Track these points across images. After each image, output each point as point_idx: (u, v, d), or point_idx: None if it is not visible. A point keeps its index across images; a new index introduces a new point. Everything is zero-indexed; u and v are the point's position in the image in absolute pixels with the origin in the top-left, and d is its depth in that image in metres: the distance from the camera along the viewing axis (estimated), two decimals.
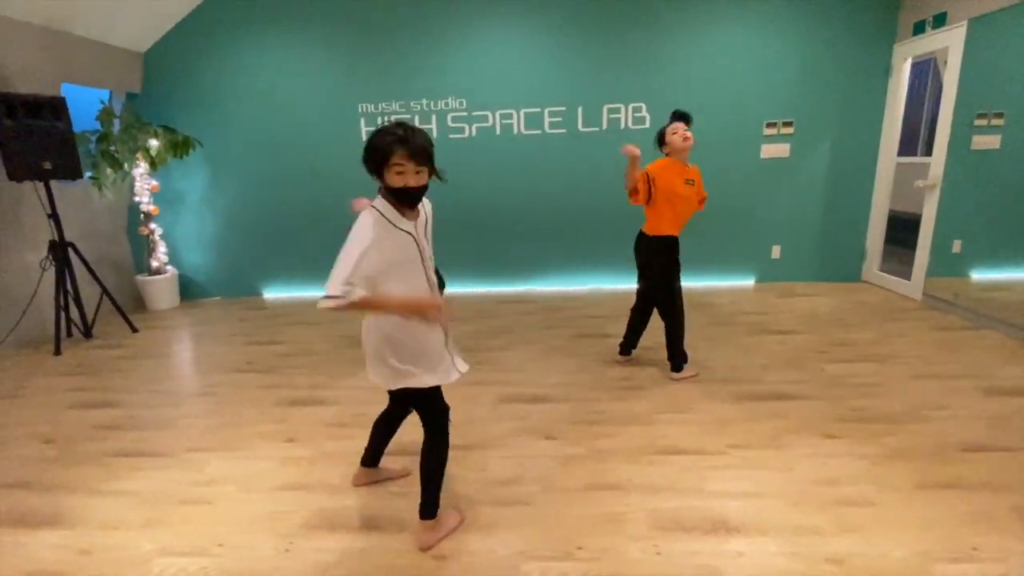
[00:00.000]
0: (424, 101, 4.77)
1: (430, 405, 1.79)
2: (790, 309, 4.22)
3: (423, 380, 1.70)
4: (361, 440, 2.47)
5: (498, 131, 4.78)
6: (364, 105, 4.81)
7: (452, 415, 1.84)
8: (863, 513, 1.89)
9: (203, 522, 2.00)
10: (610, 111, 4.71)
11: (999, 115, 4.03)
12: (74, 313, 4.15)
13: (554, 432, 2.51)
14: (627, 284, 4.95)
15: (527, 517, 1.94)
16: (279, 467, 2.34)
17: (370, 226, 1.56)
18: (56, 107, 3.81)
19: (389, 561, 1.77)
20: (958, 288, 4.15)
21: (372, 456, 2.14)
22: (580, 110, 4.72)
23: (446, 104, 4.76)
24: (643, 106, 4.67)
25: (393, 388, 1.75)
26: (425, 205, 1.74)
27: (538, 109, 4.74)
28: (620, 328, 3.65)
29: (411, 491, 2.11)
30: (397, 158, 1.53)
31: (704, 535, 1.81)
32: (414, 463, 2.20)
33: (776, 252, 4.92)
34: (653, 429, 2.50)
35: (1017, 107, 3.86)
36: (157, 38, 4.77)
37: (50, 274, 4.00)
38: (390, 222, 1.60)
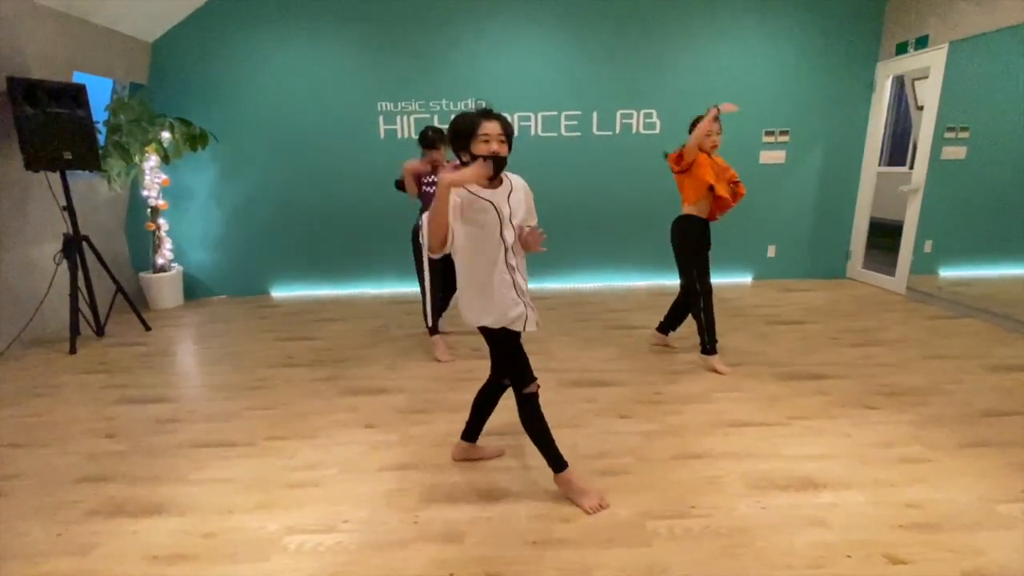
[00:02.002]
0: (444, 101, 4.86)
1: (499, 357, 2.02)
2: (793, 302, 4.59)
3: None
4: (441, 424, 2.60)
5: (516, 133, 4.92)
6: (383, 103, 4.85)
7: None
8: (923, 468, 2.16)
9: (318, 502, 2.04)
10: (623, 116, 4.96)
11: (965, 129, 4.54)
12: (84, 310, 3.97)
13: (625, 411, 2.68)
14: (640, 281, 5.24)
15: (632, 484, 2.10)
16: (371, 451, 2.39)
17: (456, 198, 1.79)
18: (77, 94, 3.67)
19: (518, 526, 1.88)
20: (931, 284, 4.63)
21: (471, 430, 2.24)
22: (595, 115, 4.95)
23: (466, 105, 4.86)
24: (654, 112, 4.95)
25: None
26: (515, 180, 1.94)
27: (555, 113, 4.93)
28: (644, 320, 3.90)
29: (515, 466, 2.24)
30: (484, 129, 1.77)
31: (797, 491, 2.02)
32: (507, 442, 2.32)
33: (772, 251, 5.31)
34: (714, 406, 2.72)
35: (981, 121, 4.37)
36: (167, 28, 4.65)
37: (62, 269, 3.83)
38: (471, 192, 1.81)
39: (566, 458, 2.01)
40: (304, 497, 2.08)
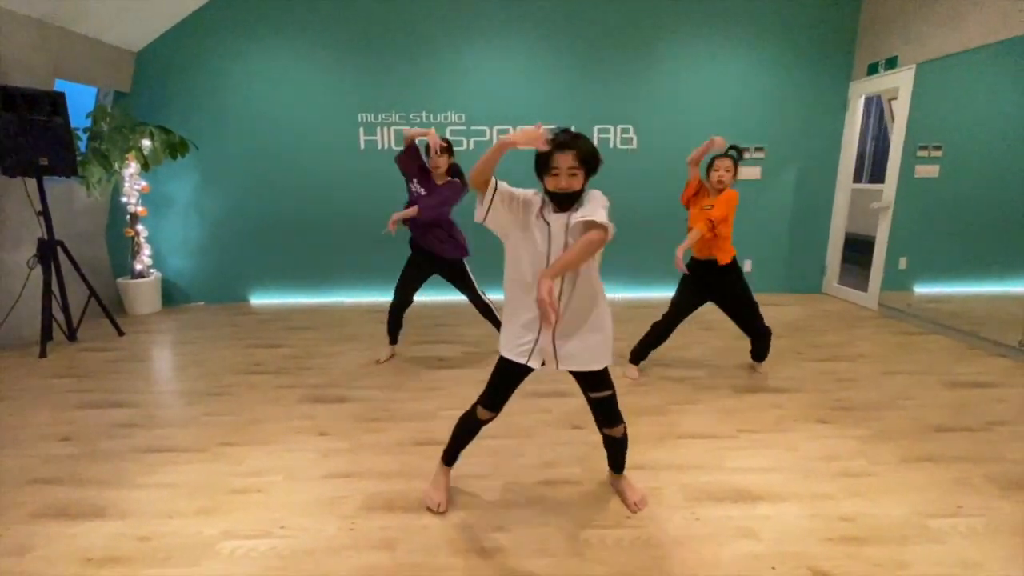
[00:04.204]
0: (424, 113, 4.93)
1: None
2: (765, 316, 4.59)
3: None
4: (394, 433, 2.62)
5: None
6: (364, 114, 4.92)
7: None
8: (863, 482, 2.17)
9: (259, 508, 2.05)
10: (600, 132, 5.03)
11: (938, 147, 4.60)
12: (57, 315, 4.00)
13: (578, 422, 2.69)
14: (617, 294, 5.26)
15: (574, 494, 2.12)
16: (321, 458, 2.40)
17: (530, 193, 1.74)
18: (55, 101, 3.73)
19: (452, 535, 1.89)
20: (905, 300, 4.66)
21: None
22: (572, 129, 4.99)
23: (445, 118, 4.94)
24: (631, 128, 5.02)
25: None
26: (588, 196, 1.71)
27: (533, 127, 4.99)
28: (617, 332, 3.88)
29: (458, 475, 2.25)
30: (554, 162, 1.64)
31: (733, 503, 2.04)
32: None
33: (748, 266, 5.34)
34: (667, 418, 2.74)
35: (953, 140, 4.44)
36: (151, 39, 4.73)
37: (35, 274, 3.86)
38: (541, 213, 1.71)
39: (515, 467, 2.20)
40: (246, 503, 2.09)
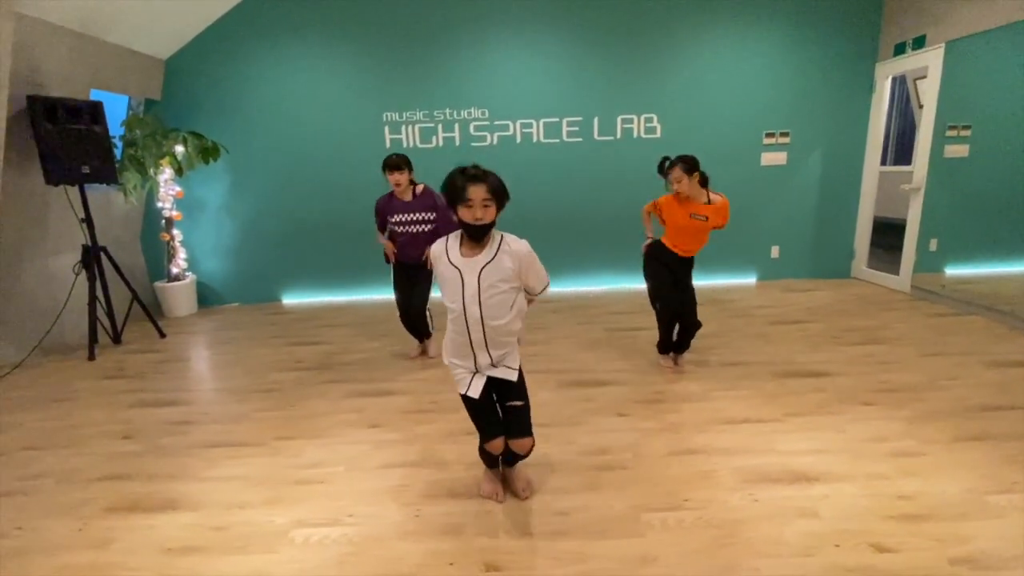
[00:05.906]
0: (448, 110, 4.97)
1: None
2: (796, 302, 4.61)
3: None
4: (444, 423, 2.67)
5: (518, 139, 5.03)
6: (388, 113, 4.97)
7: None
8: (915, 461, 2.19)
9: (324, 498, 2.12)
10: (624, 121, 5.03)
11: (967, 127, 4.55)
12: (102, 318, 4.11)
13: (624, 410, 2.73)
14: (641, 284, 5.27)
15: (629, 478, 2.16)
16: (376, 449, 2.47)
17: (434, 258, 1.88)
18: (94, 111, 3.82)
19: (517, 519, 1.95)
20: (937, 282, 4.62)
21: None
22: (596, 120, 5.03)
23: (469, 113, 4.97)
24: (654, 117, 5.02)
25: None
26: (509, 245, 1.81)
27: (556, 119, 5.02)
28: (646, 323, 3.94)
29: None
30: (468, 193, 1.70)
31: (790, 484, 2.07)
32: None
33: (775, 252, 5.33)
34: (712, 404, 2.77)
35: (983, 119, 4.38)
36: (180, 46, 4.81)
37: (81, 279, 3.97)
38: (447, 255, 1.82)
39: (567, 453, 2.27)
40: (311, 493, 2.16)
